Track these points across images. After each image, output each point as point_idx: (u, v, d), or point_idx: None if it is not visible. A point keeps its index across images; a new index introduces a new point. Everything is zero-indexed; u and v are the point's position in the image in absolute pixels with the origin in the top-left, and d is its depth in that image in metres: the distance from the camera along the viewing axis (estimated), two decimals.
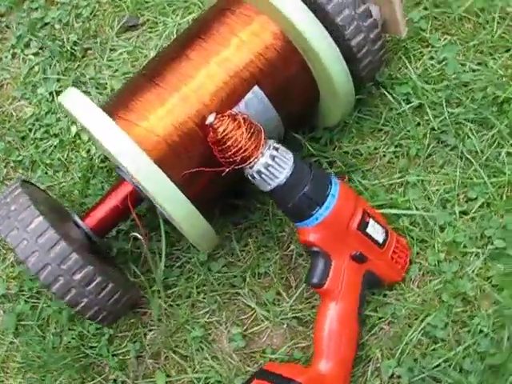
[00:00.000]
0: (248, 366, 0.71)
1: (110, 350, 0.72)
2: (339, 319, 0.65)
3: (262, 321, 0.72)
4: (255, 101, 0.64)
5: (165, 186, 0.58)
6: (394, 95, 0.78)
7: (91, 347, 0.73)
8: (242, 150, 0.59)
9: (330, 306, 0.66)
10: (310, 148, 0.75)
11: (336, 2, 0.66)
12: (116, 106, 0.64)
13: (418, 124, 0.77)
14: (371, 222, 0.66)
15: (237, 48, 0.64)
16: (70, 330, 0.74)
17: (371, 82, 0.78)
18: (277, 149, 0.61)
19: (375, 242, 0.66)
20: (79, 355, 0.72)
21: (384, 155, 0.77)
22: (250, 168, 0.61)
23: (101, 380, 0.72)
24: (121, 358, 0.72)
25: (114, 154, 0.58)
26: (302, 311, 0.71)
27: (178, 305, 0.74)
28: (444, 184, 0.74)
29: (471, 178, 0.74)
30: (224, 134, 0.59)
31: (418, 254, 0.72)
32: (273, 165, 0.61)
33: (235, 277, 0.74)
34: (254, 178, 0.61)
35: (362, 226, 0.65)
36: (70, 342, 0.73)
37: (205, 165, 0.62)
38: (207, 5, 0.75)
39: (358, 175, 0.76)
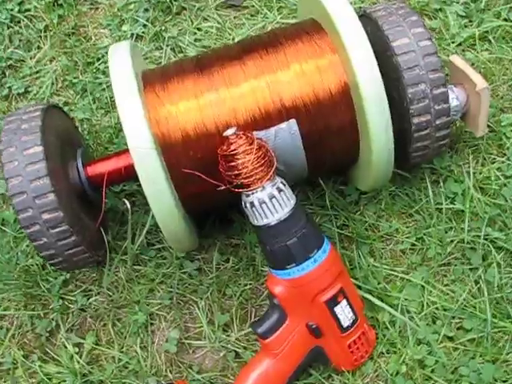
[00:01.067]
0: (170, 371, 0.69)
1: (59, 292, 0.73)
2: (267, 377, 0.62)
3: (204, 338, 0.70)
4: (287, 133, 0.61)
5: (155, 175, 0.57)
6: (441, 189, 0.72)
7: (46, 280, 0.74)
8: (243, 176, 0.57)
9: (265, 360, 0.63)
10: (329, 202, 0.71)
11: (415, 74, 0.61)
12: (158, 78, 0.63)
13: (451, 228, 0.71)
14: (343, 303, 0.62)
15: (294, 75, 0.61)
16: (38, 255, 0.75)
17: (427, 164, 0.73)
18: (280, 190, 0.58)
19: (338, 323, 0.62)
20: (32, 282, 0.74)
21: (401, 242, 0.72)
22: (246, 196, 0.58)
23: (40, 313, 0.73)
24: (66, 303, 0.73)
25: (123, 124, 0.57)
26: (244, 350, 0.69)
27: (138, 283, 0.73)
28: (445, 301, 0.68)
29: (475, 308, 0.67)
30: (234, 152, 0.57)
31: (381, 354, 0.67)
32: (268, 204, 0.57)
33: (201, 285, 0.72)
34: (245, 206, 0.59)
35: (331, 303, 0.61)
36: (31, 266, 0.75)
37: (208, 173, 0.60)
38: (299, 18, 0.72)
39: (365, 250, 0.71)
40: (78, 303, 0.73)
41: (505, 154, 0.73)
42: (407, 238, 0.72)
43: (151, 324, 0.71)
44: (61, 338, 0.72)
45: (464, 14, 0.84)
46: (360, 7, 0.73)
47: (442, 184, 0.72)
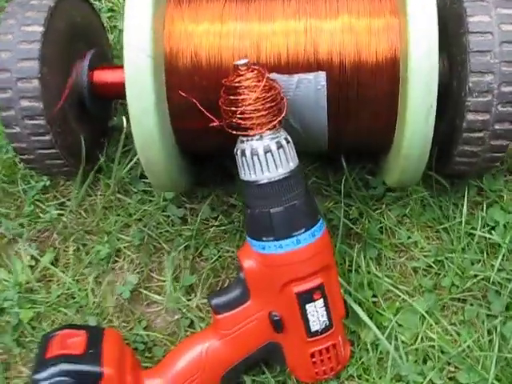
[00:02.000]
0: (117, 317, 0.61)
1: (34, 196, 0.67)
2: (206, 359, 0.53)
3: (164, 294, 0.62)
4: (312, 86, 0.51)
5: (143, 89, 0.49)
6: (482, 213, 0.60)
7: (27, 182, 0.68)
8: (239, 115, 0.47)
9: (210, 338, 0.53)
10: (347, 188, 0.60)
11: (485, 60, 0.50)
12: None
13: (479, 261, 0.59)
14: (319, 303, 0.51)
15: (340, 28, 0.51)
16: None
17: (474, 180, 0.61)
18: (280, 146, 0.48)
19: (306, 324, 0.52)
20: (11, 178, 0.68)
21: (416, 259, 0.60)
22: (240, 142, 0.49)
23: (11, 213, 0.67)
24: (38, 210, 0.67)
25: (125, 29, 0.49)
26: (202, 320, 0.60)
27: (115, 213, 0.66)
28: (445, 341, 0.56)
29: (477, 362, 0.55)
30: (239, 84, 0.47)
31: (351, 377, 0.57)
32: (260, 157, 0.48)
33: (179, 236, 0.63)
34: (236, 153, 0.50)
35: (304, 297, 0.51)
36: (19, 163, 0.69)
37: (208, 107, 0.51)
38: None
39: (371, 254, 0.60)
40: (49, 215, 0.66)
41: None
42: (425, 256, 0.60)
43: (114, 261, 0.64)
44: (20, 247, 0.66)
45: None
46: None
47: (484, 208, 0.60)
